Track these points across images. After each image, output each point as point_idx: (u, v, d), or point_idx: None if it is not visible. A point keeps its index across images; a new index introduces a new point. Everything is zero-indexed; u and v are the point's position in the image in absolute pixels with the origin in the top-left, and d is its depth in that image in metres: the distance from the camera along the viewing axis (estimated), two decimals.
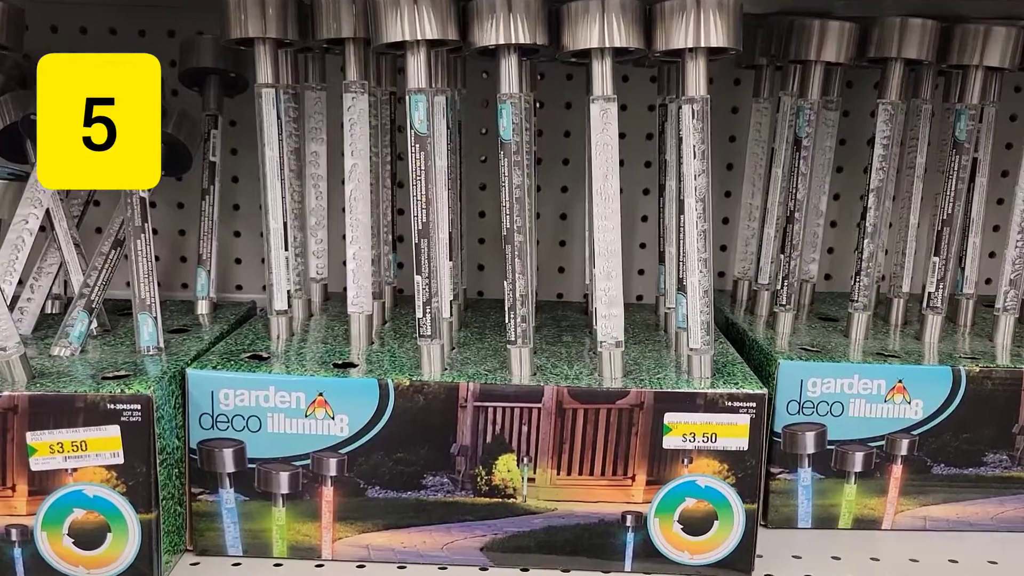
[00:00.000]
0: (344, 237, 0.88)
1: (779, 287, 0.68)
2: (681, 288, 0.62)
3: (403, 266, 0.82)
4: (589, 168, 0.59)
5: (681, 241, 0.61)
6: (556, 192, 0.85)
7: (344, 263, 0.88)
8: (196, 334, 0.65)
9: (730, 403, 0.54)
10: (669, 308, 0.68)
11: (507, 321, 0.57)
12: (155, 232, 0.85)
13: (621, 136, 0.85)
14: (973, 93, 0.65)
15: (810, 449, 0.61)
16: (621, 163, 0.84)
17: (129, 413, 0.51)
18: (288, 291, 0.63)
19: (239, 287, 0.86)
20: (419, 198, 0.56)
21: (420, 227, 0.56)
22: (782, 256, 0.68)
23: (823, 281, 0.88)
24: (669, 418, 0.54)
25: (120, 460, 0.52)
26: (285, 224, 0.62)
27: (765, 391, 0.54)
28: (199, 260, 0.71)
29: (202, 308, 0.71)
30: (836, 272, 0.87)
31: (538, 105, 0.81)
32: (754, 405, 0.54)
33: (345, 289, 0.83)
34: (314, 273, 0.73)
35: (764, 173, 0.75)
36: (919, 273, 0.72)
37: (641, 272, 0.87)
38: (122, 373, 0.55)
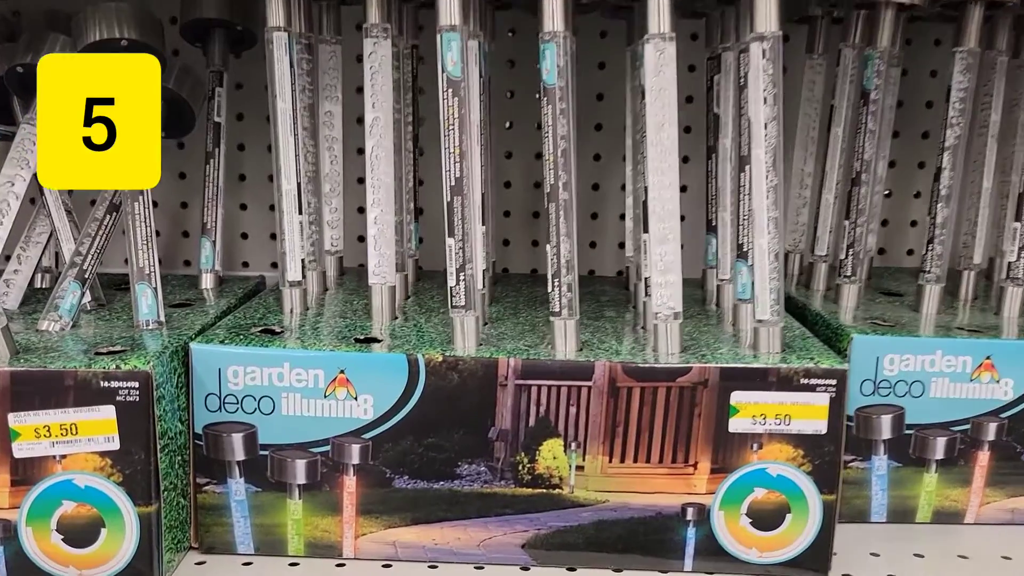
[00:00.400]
0: (360, 210, 0.83)
1: (843, 257, 0.62)
2: (742, 255, 0.55)
3: (423, 241, 0.76)
4: (636, 121, 0.52)
5: (742, 202, 0.55)
6: (589, 161, 0.79)
7: (360, 238, 0.83)
8: (200, 308, 0.59)
9: (807, 380, 0.48)
10: (723, 280, 0.61)
11: (550, 290, 0.50)
12: (155, 204, 0.78)
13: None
14: None
15: (886, 434, 0.54)
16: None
17: (125, 392, 0.45)
18: (302, 260, 0.57)
19: (246, 264, 0.80)
20: (451, 150, 0.49)
21: (453, 183, 0.50)
22: (846, 223, 0.62)
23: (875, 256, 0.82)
24: (736, 398, 0.48)
25: (115, 446, 0.45)
26: (299, 186, 0.56)
27: (846, 366, 0.48)
28: (203, 229, 0.65)
29: (206, 282, 0.65)
30: (891, 246, 0.81)
31: None
32: (834, 383, 0.48)
33: (361, 265, 0.78)
34: (328, 245, 0.67)
35: (819, 135, 0.69)
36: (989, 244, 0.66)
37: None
38: (117, 348, 0.48)
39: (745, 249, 0.55)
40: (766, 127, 0.49)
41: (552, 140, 0.49)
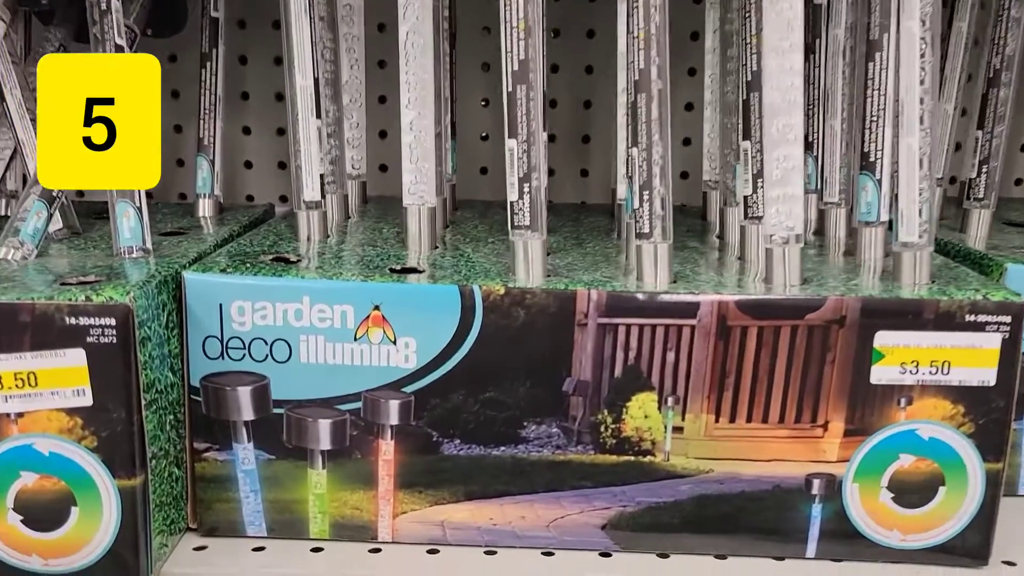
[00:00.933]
0: (382, 134, 0.72)
1: (973, 176, 0.51)
2: (867, 166, 0.45)
3: (456, 169, 0.65)
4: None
5: (871, 100, 0.44)
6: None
7: (382, 167, 0.72)
8: (197, 236, 0.48)
9: (973, 317, 0.37)
10: (830, 203, 0.51)
11: (637, 205, 0.40)
12: None
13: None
14: None
15: None
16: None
17: (98, 331, 0.35)
18: (322, 175, 0.46)
19: (250, 198, 0.69)
20: (514, 23, 0.39)
21: (515, 67, 0.39)
22: (978, 133, 0.51)
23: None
24: (882, 339, 0.38)
25: (87, 401, 0.35)
26: (316, 83, 0.45)
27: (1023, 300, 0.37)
28: (199, 146, 0.54)
29: (204, 209, 0.54)
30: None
31: None
32: (1008, 320, 0.37)
33: (384, 196, 0.68)
34: (350, 167, 0.56)
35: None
36: None
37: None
38: (90, 278, 0.38)
39: (872, 159, 0.44)
40: None
41: (643, 10, 0.38)
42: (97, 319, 0.35)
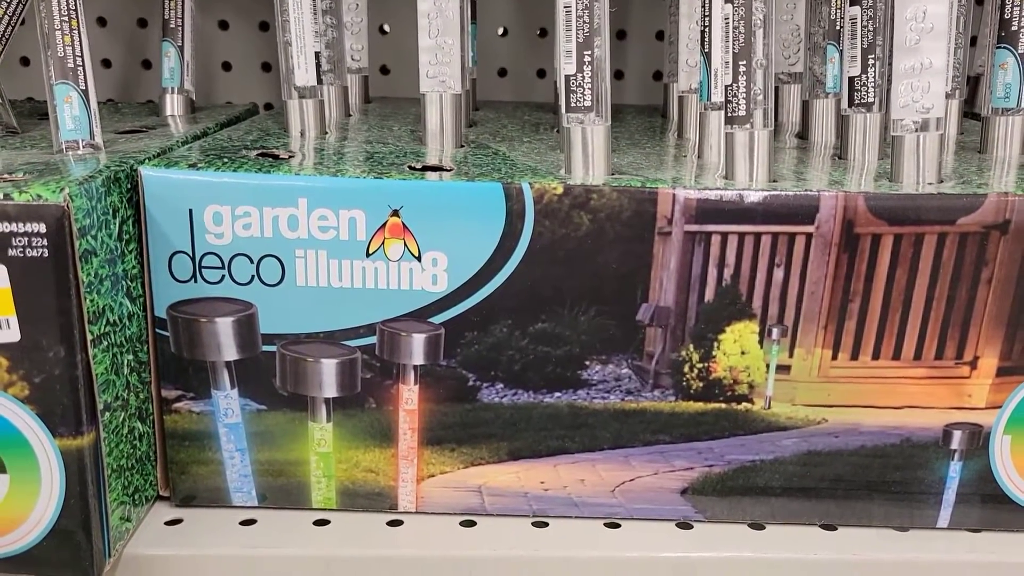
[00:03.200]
0: (382, 30, 0.62)
1: None
2: (1008, 39, 0.36)
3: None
4: None
5: None
6: None
7: (383, 69, 0.62)
8: (163, 133, 0.38)
9: None
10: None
11: (730, 81, 0.31)
12: (103, 23, 0.58)
13: None
14: None
15: None
16: None
17: (23, 241, 0.26)
18: (316, 54, 0.37)
19: (229, 104, 0.60)
20: None
21: None
22: None
23: None
24: None
25: (13, 335, 0.26)
26: None
27: None
28: (164, 30, 0.44)
29: (172, 106, 0.44)
30: None
31: None
32: None
33: (386, 98, 0.58)
34: (349, 59, 0.47)
35: None
36: None
37: None
38: (17, 177, 0.29)
39: (1015, 28, 0.35)
40: None
41: None
42: (20, 225, 0.25)
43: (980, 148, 0.37)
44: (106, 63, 0.59)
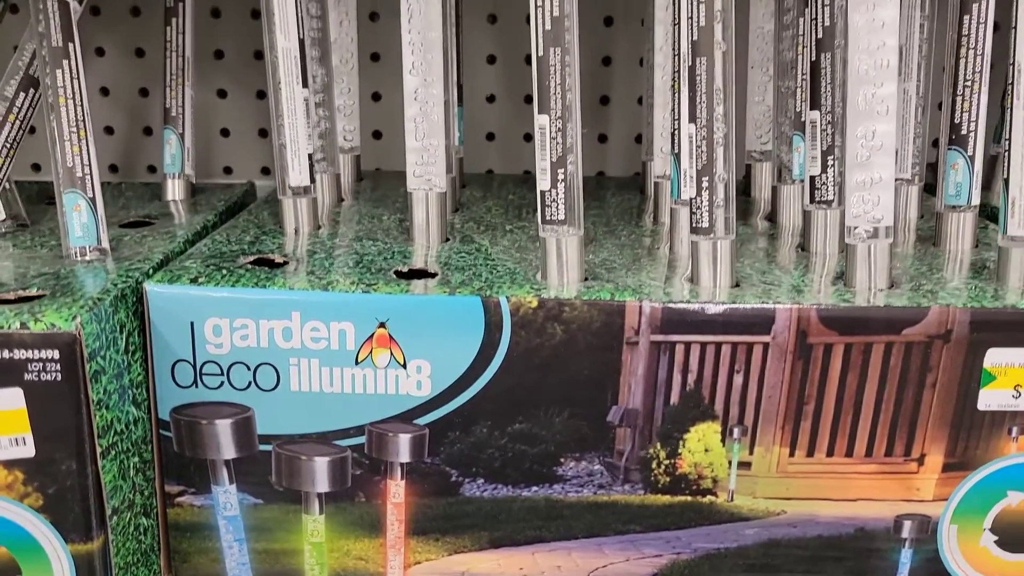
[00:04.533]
0: (375, 96, 0.64)
1: None
2: (958, 140, 0.38)
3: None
4: None
5: (965, 60, 0.37)
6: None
7: (375, 134, 0.65)
8: (164, 228, 0.41)
9: None
10: (900, 179, 0.44)
11: (694, 194, 0.33)
12: (106, 93, 0.60)
13: None
14: None
15: None
16: None
17: (38, 367, 0.28)
18: (310, 155, 0.39)
19: (228, 170, 0.62)
20: None
21: (547, 27, 0.32)
22: None
23: None
24: (993, 358, 0.31)
25: (28, 451, 0.29)
26: (302, 44, 0.38)
27: None
28: (166, 117, 0.47)
29: (173, 191, 0.47)
30: None
31: None
32: None
33: (379, 169, 0.60)
34: (341, 140, 0.49)
35: None
36: None
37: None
38: (33, 293, 0.31)
39: (965, 132, 0.37)
40: None
41: None
42: (36, 352, 0.28)
43: (934, 240, 0.39)
44: (108, 130, 0.61)
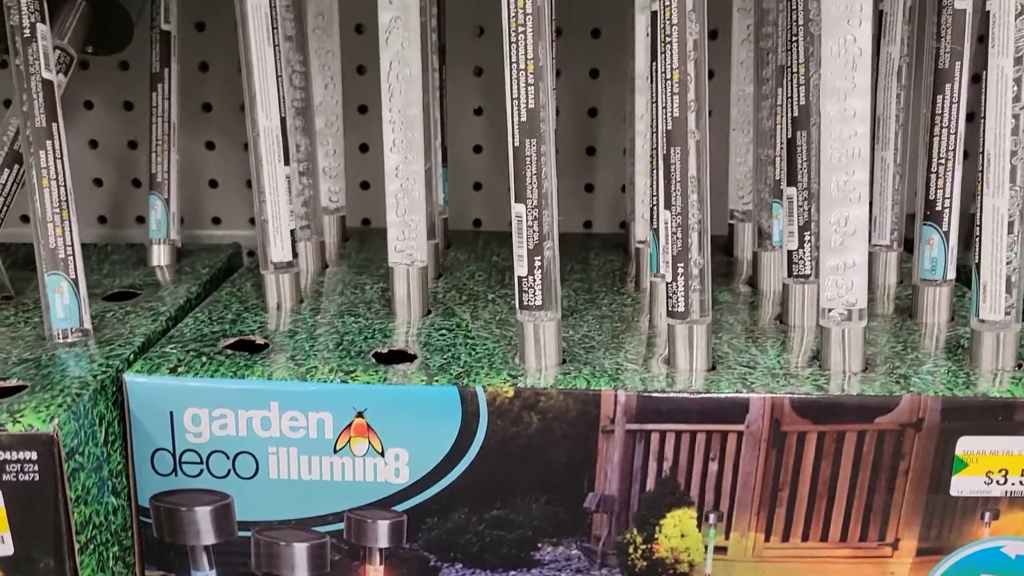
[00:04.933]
0: (363, 147, 0.65)
1: None
2: (933, 216, 0.38)
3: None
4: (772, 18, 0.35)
5: (939, 139, 0.37)
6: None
7: (363, 184, 0.65)
8: (148, 301, 0.41)
9: None
10: (879, 246, 0.44)
11: (669, 280, 0.33)
12: (95, 145, 0.61)
13: None
14: None
15: None
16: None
17: (16, 467, 0.28)
18: (292, 231, 0.39)
19: (216, 220, 0.62)
20: (521, 66, 0.32)
21: (523, 119, 0.32)
22: None
23: None
24: (966, 446, 0.32)
25: (7, 549, 0.29)
26: (283, 122, 0.38)
27: None
28: (152, 183, 0.47)
29: (159, 257, 0.47)
30: None
31: None
32: None
33: (367, 221, 0.61)
34: (326, 201, 0.49)
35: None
36: None
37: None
38: (12, 384, 0.31)
39: (940, 209, 0.38)
40: (1017, 21, 0.31)
41: (677, 46, 0.32)
42: (13, 453, 0.28)
43: (911, 311, 0.40)
44: (98, 182, 0.61)
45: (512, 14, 0.31)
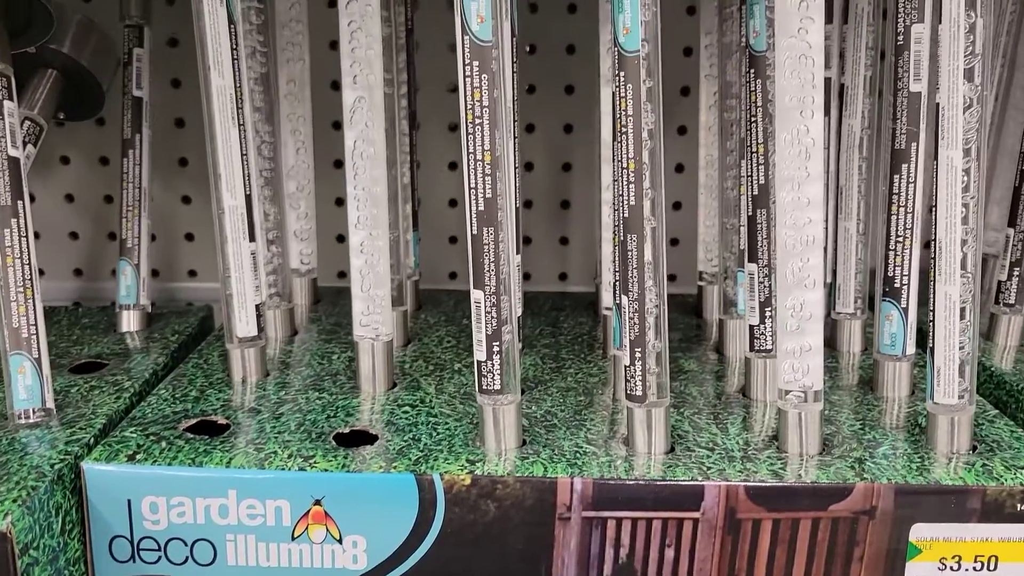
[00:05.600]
0: (339, 201, 0.65)
1: (1003, 279, 0.45)
2: (892, 292, 0.39)
3: (421, 240, 0.59)
4: (733, 107, 0.36)
5: (896, 217, 0.38)
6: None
7: (339, 237, 0.65)
8: (114, 374, 0.41)
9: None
10: (843, 313, 0.45)
11: (628, 363, 0.34)
12: (71, 199, 0.61)
13: None
14: None
15: None
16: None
17: None
18: (258, 305, 0.40)
19: (192, 273, 0.62)
20: (479, 156, 0.32)
21: (480, 208, 0.32)
22: (1011, 231, 0.45)
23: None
24: (919, 533, 0.32)
25: None
26: (248, 200, 0.39)
27: None
28: (122, 249, 0.47)
29: (128, 322, 0.47)
30: None
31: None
32: None
33: (343, 275, 0.61)
34: (297, 263, 0.50)
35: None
36: None
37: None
38: None
39: (898, 285, 0.38)
40: (966, 113, 0.32)
41: (632, 137, 0.32)
42: None
43: (872, 384, 0.40)
44: (73, 235, 0.61)
45: (469, 106, 0.32)
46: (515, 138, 0.40)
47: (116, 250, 0.61)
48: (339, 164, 0.60)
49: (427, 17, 0.55)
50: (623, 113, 0.32)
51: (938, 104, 0.32)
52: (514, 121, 0.40)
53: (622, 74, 0.32)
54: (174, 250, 0.62)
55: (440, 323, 0.49)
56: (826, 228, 0.45)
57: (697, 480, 0.32)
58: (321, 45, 0.55)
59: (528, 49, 0.59)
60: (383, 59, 0.38)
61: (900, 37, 0.36)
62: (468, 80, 0.31)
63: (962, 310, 0.33)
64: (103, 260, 0.62)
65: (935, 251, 0.33)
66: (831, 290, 0.45)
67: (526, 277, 0.63)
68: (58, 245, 0.61)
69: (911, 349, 0.39)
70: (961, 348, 0.33)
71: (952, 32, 0.31)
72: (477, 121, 0.32)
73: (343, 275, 0.61)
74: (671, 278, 0.63)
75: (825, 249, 0.45)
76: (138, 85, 0.47)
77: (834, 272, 0.45)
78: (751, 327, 0.39)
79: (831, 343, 0.45)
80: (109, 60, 0.47)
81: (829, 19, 0.44)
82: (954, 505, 0.31)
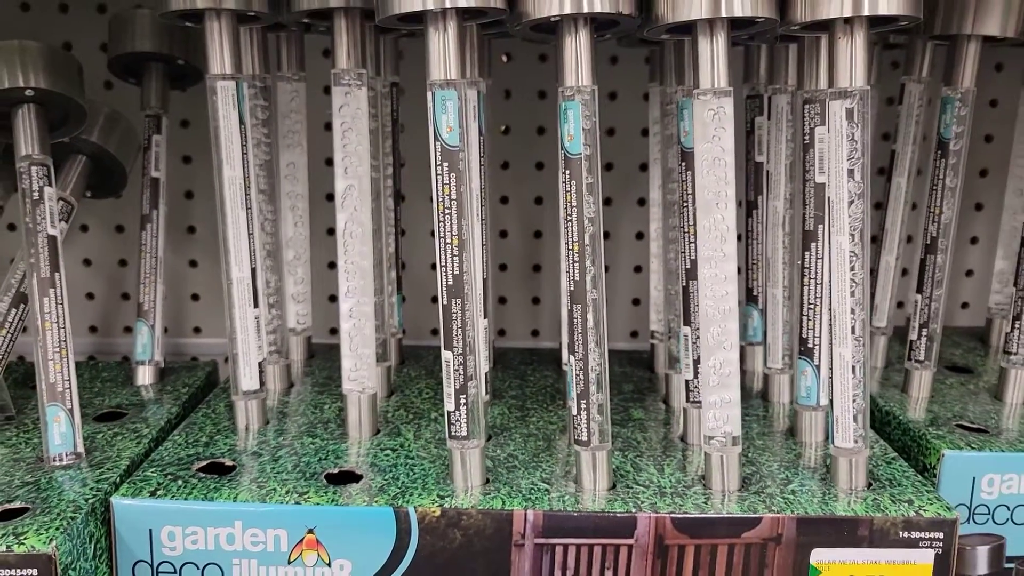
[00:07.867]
0: (331, 265, 0.72)
1: (914, 338, 0.52)
2: (806, 352, 0.45)
3: (405, 299, 0.65)
4: (667, 173, 0.42)
5: (808, 288, 0.44)
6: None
7: (332, 297, 0.72)
8: (133, 422, 0.47)
9: (908, 534, 0.37)
10: (773, 368, 0.51)
11: (574, 412, 0.40)
12: (88, 263, 0.67)
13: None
14: None
15: (982, 569, 0.44)
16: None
17: None
18: (260, 362, 0.46)
19: (197, 330, 0.69)
20: (448, 240, 0.38)
21: (450, 281, 0.39)
22: (918, 297, 0.52)
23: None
24: (818, 556, 0.38)
25: None
26: (253, 272, 0.45)
27: (956, 515, 0.38)
28: (139, 311, 0.53)
29: (144, 376, 0.53)
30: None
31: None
32: (941, 537, 0.37)
33: (334, 331, 0.67)
34: (294, 323, 0.56)
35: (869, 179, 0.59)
36: None
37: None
38: (16, 506, 0.37)
39: (811, 346, 0.45)
40: (849, 205, 0.38)
41: (576, 224, 0.39)
42: (18, 571, 0.34)
43: (792, 432, 0.46)
44: (90, 296, 0.68)
45: (440, 199, 0.38)
46: (483, 221, 0.47)
47: (128, 309, 0.68)
48: (331, 231, 0.66)
49: (411, 101, 0.62)
50: (568, 204, 0.39)
51: (827, 197, 0.39)
52: (483, 204, 0.47)
53: (567, 172, 0.38)
54: (181, 309, 0.68)
55: (420, 376, 0.55)
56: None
57: (631, 512, 0.38)
58: (317, 125, 0.62)
59: (503, 130, 0.66)
60: (371, 149, 0.45)
61: (806, 137, 0.43)
62: (439, 178, 0.38)
63: (853, 368, 0.39)
64: (116, 318, 0.68)
65: (831, 319, 0.39)
66: (764, 348, 0.52)
67: (501, 333, 0.69)
68: (76, 305, 0.67)
69: (824, 400, 0.45)
70: (854, 401, 0.39)
71: (836, 140, 0.38)
72: (447, 211, 0.38)
73: (334, 331, 0.68)
74: (633, 334, 0.70)
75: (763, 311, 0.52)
76: (156, 167, 0.54)
77: (764, 335, 0.51)
78: (687, 381, 0.45)
79: (765, 395, 0.51)
80: (132, 146, 0.54)
81: (760, 112, 0.51)
82: (847, 533, 0.37)
